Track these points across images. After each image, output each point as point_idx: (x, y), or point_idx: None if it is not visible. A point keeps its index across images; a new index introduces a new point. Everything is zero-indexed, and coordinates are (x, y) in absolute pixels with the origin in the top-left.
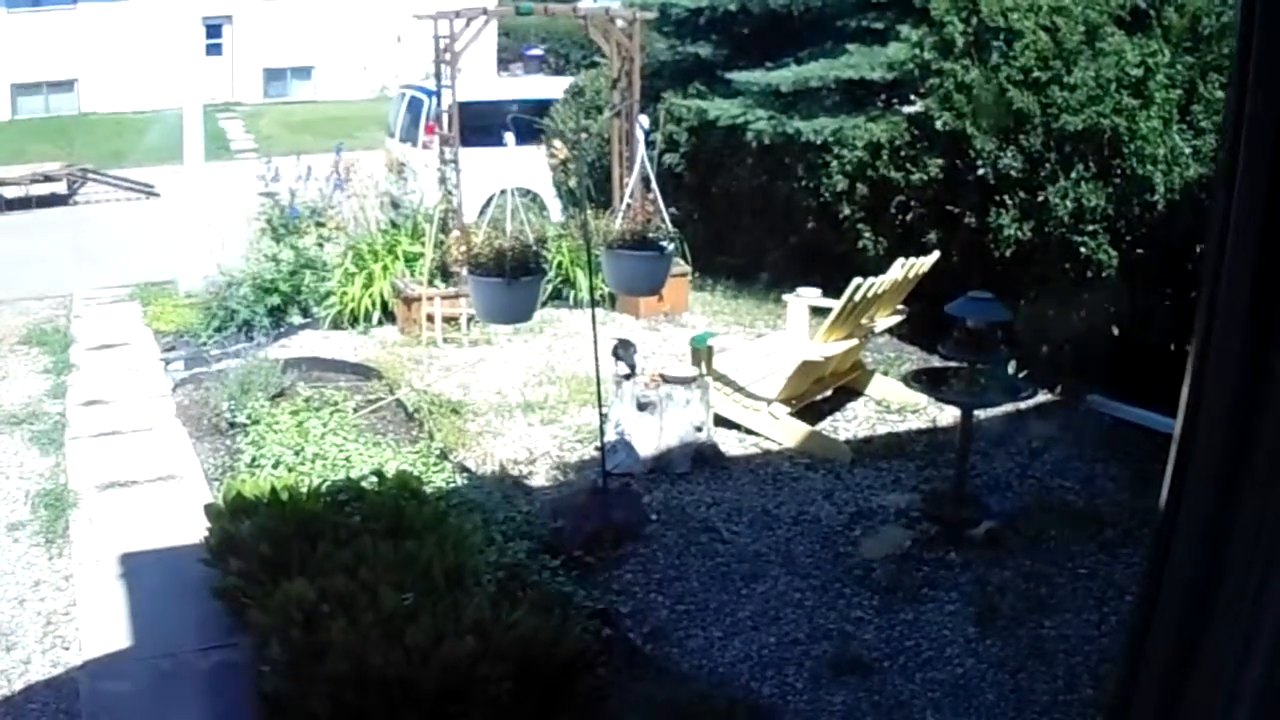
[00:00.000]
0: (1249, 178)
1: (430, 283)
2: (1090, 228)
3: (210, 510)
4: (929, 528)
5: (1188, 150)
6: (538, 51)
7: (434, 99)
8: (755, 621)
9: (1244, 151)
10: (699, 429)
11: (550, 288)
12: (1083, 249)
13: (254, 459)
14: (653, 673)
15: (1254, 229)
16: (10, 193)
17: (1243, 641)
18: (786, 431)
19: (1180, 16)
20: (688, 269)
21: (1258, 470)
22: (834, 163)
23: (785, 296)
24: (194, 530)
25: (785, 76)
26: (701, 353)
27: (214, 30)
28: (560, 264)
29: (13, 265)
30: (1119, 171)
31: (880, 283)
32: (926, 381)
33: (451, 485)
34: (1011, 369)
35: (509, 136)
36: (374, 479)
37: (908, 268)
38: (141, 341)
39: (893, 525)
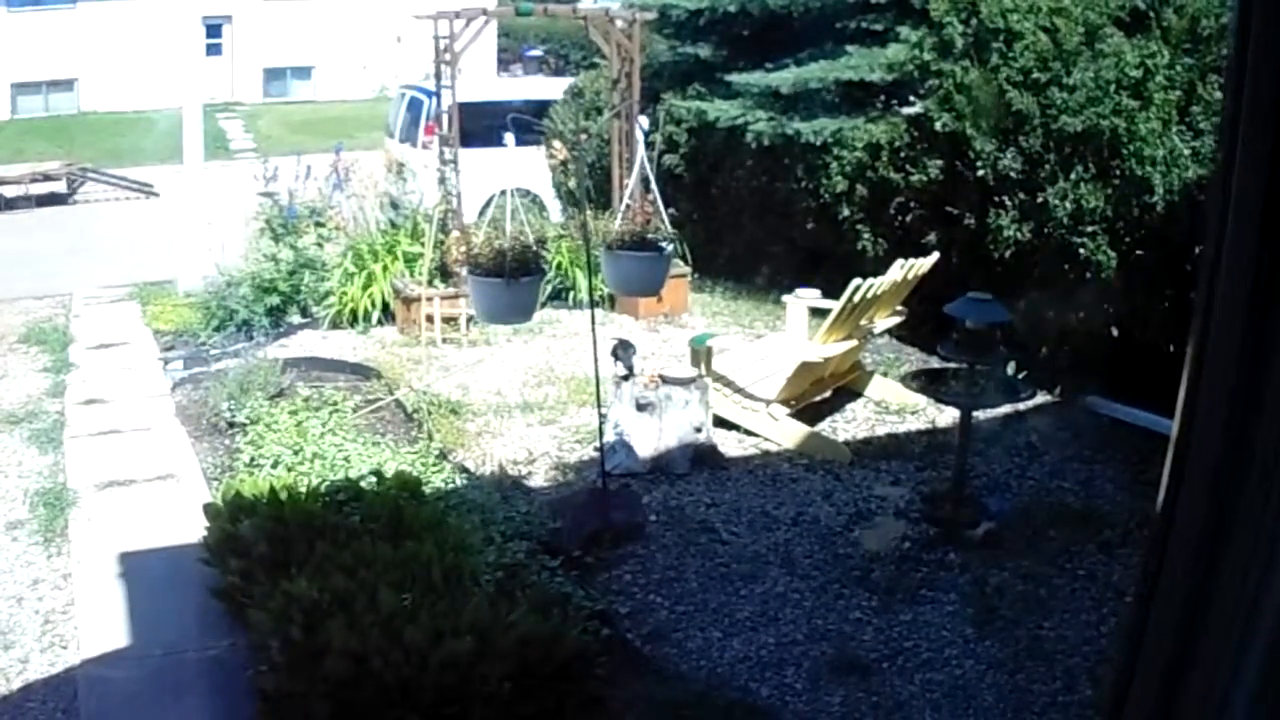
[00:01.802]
0: (1246, 178)
1: (430, 283)
2: (1089, 229)
3: (209, 510)
4: (928, 528)
5: (1187, 151)
6: (537, 52)
7: (434, 99)
8: (754, 622)
9: (1241, 152)
10: (698, 430)
11: (550, 288)
12: (1082, 250)
13: (253, 458)
14: (651, 673)
15: (1251, 229)
16: (9, 192)
17: (1239, 643)
18: (786, 432)
19: (1179, 18)
20: (687, 270)
21: (1254, 472)
22: (833, 164)
23: (784, 297)
24: (193, 530)
25: (785, 78)
26: (701, 353)
27: (214, 30)
28: (560, 265)
29: (12, 264)
30: (1118, 173)
31: (880, 284)
32: (926, 382)
33: (450, 485)
34: (1010, 370)
35: (509, 137)
36: (373, 479)
37: (907, 269)
38: (141, 341)
39: (891, 517)
